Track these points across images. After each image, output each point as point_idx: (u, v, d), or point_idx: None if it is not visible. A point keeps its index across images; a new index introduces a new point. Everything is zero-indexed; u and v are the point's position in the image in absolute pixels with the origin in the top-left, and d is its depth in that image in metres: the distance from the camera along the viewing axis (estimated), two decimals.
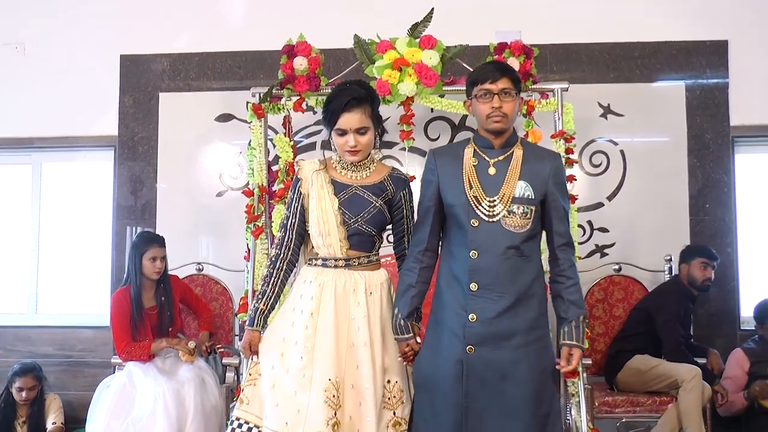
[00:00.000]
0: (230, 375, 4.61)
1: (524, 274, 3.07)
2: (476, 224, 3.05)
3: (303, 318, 3.25)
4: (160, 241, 4.80)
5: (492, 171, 3.11)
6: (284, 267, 3.37)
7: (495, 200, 3.06)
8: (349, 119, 3.23)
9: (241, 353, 3.62)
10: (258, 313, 3.33)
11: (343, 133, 3.26)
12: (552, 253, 3.17)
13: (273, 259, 3.39)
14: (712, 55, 5.54)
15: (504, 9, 5.58)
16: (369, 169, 3.39)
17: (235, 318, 5.12)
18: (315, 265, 3.36)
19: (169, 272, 4.90)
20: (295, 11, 5.66)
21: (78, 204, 6.05)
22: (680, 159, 5.52)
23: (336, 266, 3.31)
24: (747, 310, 5.41)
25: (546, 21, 5.55)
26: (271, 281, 3.34)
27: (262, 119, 4.58)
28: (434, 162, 3.23)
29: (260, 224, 4.47)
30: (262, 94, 4.58)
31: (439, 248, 3.29)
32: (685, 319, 5.04)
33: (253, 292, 4.39)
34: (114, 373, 4.75)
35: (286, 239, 3.38)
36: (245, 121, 5.44)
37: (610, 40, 5.61)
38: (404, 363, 3.27)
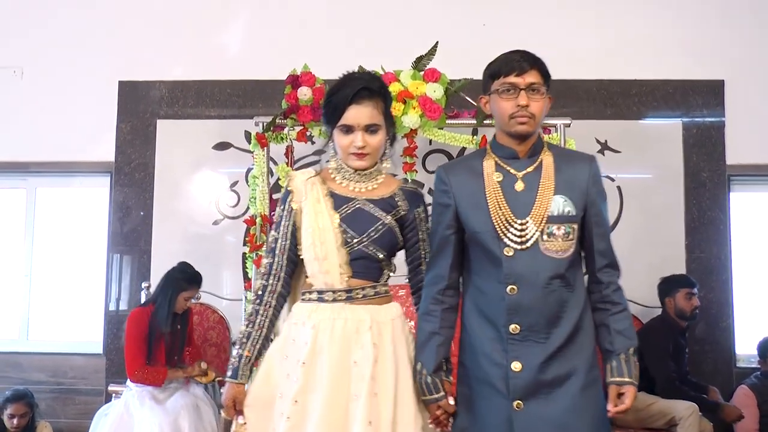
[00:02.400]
0: None
1: (572, 307, 2.52)
2: (510, 253, 2.48)
3: (296, 368, 2.62)
4: (200, 283, 4.75)
5: (519, 186, 2.54)
6: (273, 302, 2.74)
7: (526, 222, 2.49)
8: (358, 113, 2.65)
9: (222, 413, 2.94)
10: (243, 361, 2.68)
11: (348, 130, 2.67)
12: (593, 277, 2.61)
13: (259, 292, 2.76)
14: (708, 94, 5.60)
15: (503, 44, 5.55)
16: (376, 179, 2.78)
17: (232, 347, 5.09)
18: (309, 300, 2.73)
19: None
20: (296, 41, 5.67)
21: (72, 230, 6.00)
22: (676, 196, 5.55)
23: (335, 300, 2.68)
24: (742, 348, 5.44)
25: (544, 57, 5.53)
26: (258, 320, 2.72)
27: (265, 148, 4.58)
28: (447, 181, 2.63)
29: (263, 253, 4.45)
30: (265, 124, 4.59)
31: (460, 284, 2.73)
32: (676, 353, 5.01)
33: None
34: (110, 401, 4.69)
35: (274, 267, 2.76)
36: (243, 150, 5.50)
37: (608, 77, 5.66)
38: (437, 429, 2.66)
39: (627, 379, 2.54)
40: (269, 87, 5.53)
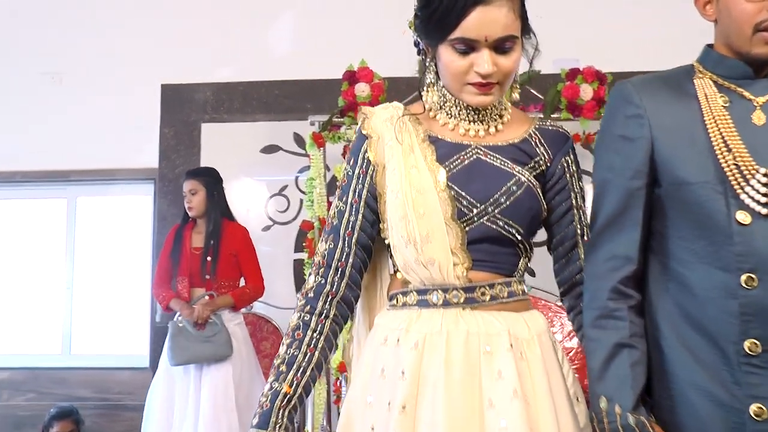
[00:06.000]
0: None
1: None
2: (747, 220, 1.53)
3: (393, 416, 1.62)
4: (192, 173, 4.67)
5: (760, 118, 1.60)
6: (332, 311, 1.75)
7: None
8: (487, 19, 1.63)
9: None
10: (279, 400, 1.69)
11: (468, 47, 1.66)
12: None
13: (310, 294, 1.76)
14: None
15: (561, 36, 5.36)
16: (501, 117, 1.78)
17: None
18: (405, 305, 1.73)
19: None
20: (346, 39, 5.42)
21: (115, 240, 5.81)
22: None
23: (447, 303, 1.68)
24: None
25: (605, 48, 5.32)
26: (306, 338, 1.72)
27: (322, 149, 4.36)
28: (639, 102, 1.64)
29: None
30: (321, 123, 4.37)
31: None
32: None
33: None
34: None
35: (337, 256, 1.76)
36: (292, 153, 5.30)
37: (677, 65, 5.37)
38: None
39: None
40: (319, 87, 5.32)
